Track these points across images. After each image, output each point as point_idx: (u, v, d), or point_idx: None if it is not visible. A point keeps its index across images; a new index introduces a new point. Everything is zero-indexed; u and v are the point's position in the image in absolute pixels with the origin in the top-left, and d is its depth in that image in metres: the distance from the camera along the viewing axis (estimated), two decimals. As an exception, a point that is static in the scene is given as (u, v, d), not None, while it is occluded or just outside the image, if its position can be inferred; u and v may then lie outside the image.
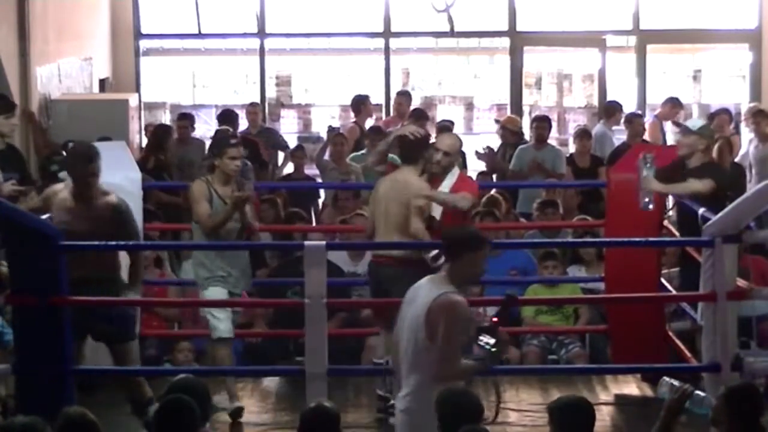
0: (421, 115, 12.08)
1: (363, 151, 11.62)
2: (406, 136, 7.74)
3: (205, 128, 13.07)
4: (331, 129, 12.15)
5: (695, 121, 8.23)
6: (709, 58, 16.19)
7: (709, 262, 6.93)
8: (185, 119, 12.52)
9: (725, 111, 13.15)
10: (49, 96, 11.93)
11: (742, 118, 13.34)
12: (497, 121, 13.11)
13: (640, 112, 13.83)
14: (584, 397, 5.32)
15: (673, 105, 13.41)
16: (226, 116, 12.70)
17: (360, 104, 13.01)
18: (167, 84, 15.92)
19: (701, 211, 7.30)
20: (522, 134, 12.61)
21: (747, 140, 12.50)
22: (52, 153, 10.76)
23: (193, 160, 11.77)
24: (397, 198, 7.56)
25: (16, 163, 9.21)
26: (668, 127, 12.71)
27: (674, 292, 8.25)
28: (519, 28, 14.85)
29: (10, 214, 6.75)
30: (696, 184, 7.69)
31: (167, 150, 11.66)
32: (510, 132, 12.32)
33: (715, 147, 11.43)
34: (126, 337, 7.37)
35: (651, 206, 7.79)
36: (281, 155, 12.76)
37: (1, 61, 10.84)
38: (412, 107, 13.28)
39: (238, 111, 13.97)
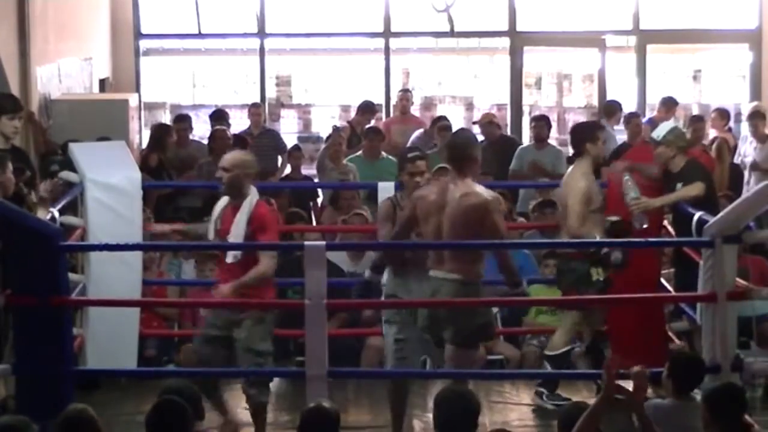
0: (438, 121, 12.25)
1: (359, 153, 11.63)
2: None
3: (205, 128, 13.08)
4: (336, 129, 12.15)
5: (660, 130, 8.18)
6: (709, 58, 16.18)
7: (709, 262, 6.93)
8: (183, 121, 12.53)
9: (721, 111, 13.15)
10: (49, 96, 11.92)
11: (742, 118, 13.35)
12: (475, 123, 13.08)
13: (638, 111, 13.87)
14: (586, 402, 5.41)
15: (668, 108, 13.41)
16: (219, 116, 12.76)
17: (370, 109, 13.07)
18: (167, 84, 15.91)
19: (698, 214, 7.31)
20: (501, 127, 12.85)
21: (746, 140, 12.48)
22: (52, 153, 10.76)
23: (191, 162, 11.78)
24: None
25: (21, 163, 9.20)
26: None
27: (674, 293, 8.25)
28: (519, 28, 14.86)
29: (10, 214, 6.75)
30: (689, 191, 7.76)
31: (167, 149, 11.68)
32: (496, 126, 12.42)
33: (714, 147, 11.49)
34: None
35: (646, 224, 7.84)
36: (280, 158, 12.75)
37: (1, 61, 10.83)
38: (415, 108, 13.36)
39: (238, 111, 14.00)
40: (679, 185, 7.94)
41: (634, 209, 7.78)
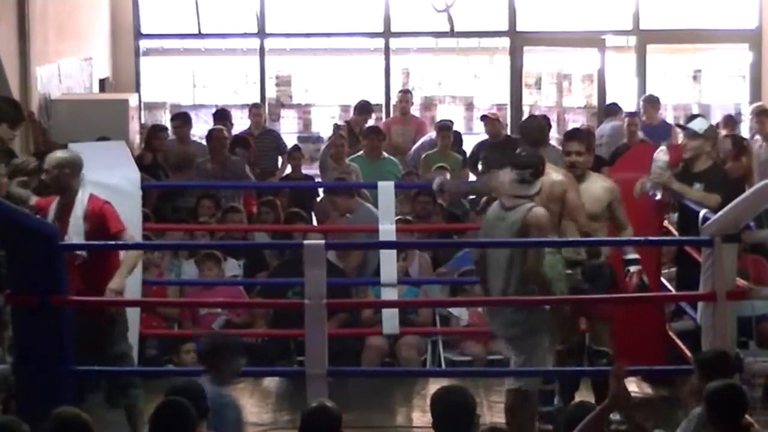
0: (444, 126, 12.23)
1: (361, 153, 11.63)
2: None
3: (205, 128, 13.09)
4: (337, 127, 12.16)
5: (701, 123, 8.17)
6: (709, 58, 16.18)
7: (709, 261, 6.93)
8: (177, 119, 12.55)
9: (727, 119, 13.11)
10: (49, 96, 11.92)
11: (743, 118, 13.33)
12: (484, 117, 13.01)
13: (636, 111, 13.87)
14: (589, 402, 5.41)
15: (654, 106, 13.43)
16: (222, 115, 12.77)
17: (367, 108, 13.07)
18: (167, 84, 15.92)
19: (703, 212, 7.31)
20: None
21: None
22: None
23: (189, 160, 11.78)
24: None
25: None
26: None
27: (674, 292, 8.25)
28: (519, 28, 14.86)
29: (10, 214, 6.75)
30: (706, 200, 7.74)
31: (157, 150, 11.71)
32: (501, 125, 12.42)
33: (745, 144, 11.50)
34: None
35: (658, 195, 7.88)
36: (280, 158, 12.74)
37: (1, 61, 10.83)
38: (415, 108, 13.31)
39: (238, 111, 14.00)
40: (697, 185, 7.94)
41: (653, 179, 7.84)
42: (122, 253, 7.27)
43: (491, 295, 7.09)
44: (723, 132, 12.87)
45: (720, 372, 5.84)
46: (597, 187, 7.63)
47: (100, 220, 7.19)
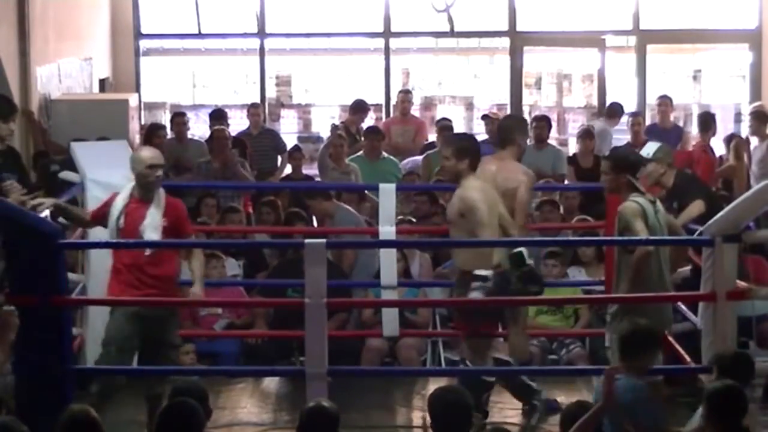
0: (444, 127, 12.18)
1: (360, 153, 11.63)
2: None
3: (205, 128, 13.10)
4: (335, 127, 12.16)
5: (649, 148, 8.28)
6: (709, 58, 16.20)
7: (709, 262, 6.93)
8: (181, 116, 12.55)
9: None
10: (49, 96, 11.93)
11: (743, 118, 13.34)
12: (485, 116, 12.99)
13: (639, 111, 13.88)
14: (588, 401, 5.50)
15: (668, 106, 13.40)
16: (218, 115, 12.77)
17: (362, 107, 13.07)
18: (167, 84, 15.93)
19: (700, 230, 7.33)
20: None
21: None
22: (56, 153, 10.75)
23: (190, 160, 11.78)
24: None
25: (14, 164, 9.21)
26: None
27: (673, 293, 8.24)
28: (519, 28, 14.87)
29: (10, 214, 6.75)
30: (691, 212, 7.79)
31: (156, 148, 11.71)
32: None
33: (732, 145, 11.51)
34: None
35: None
36: (280, 158, 12.74)
37: (1, 61, 10.84)
38: (415, 108, 13.28)
39: (238, 111, 14.00)
40: (675, 204, 7.97)
41: None
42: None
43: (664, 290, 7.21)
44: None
45: (739, 373, 5.82)
46: (456, 193, 7.57)
47: (179, 217, 7.33)
